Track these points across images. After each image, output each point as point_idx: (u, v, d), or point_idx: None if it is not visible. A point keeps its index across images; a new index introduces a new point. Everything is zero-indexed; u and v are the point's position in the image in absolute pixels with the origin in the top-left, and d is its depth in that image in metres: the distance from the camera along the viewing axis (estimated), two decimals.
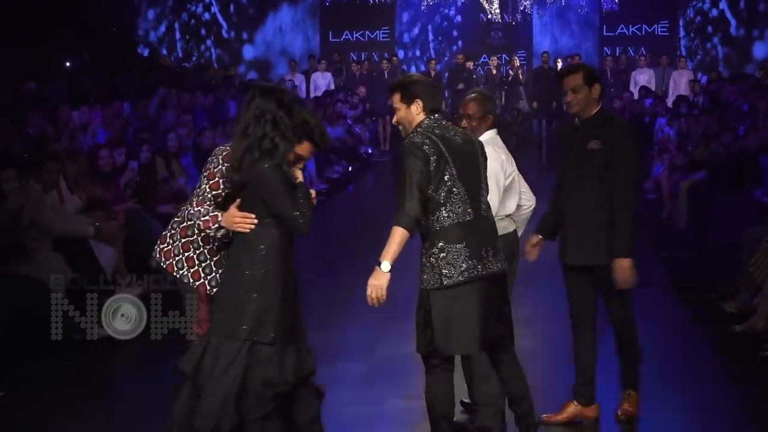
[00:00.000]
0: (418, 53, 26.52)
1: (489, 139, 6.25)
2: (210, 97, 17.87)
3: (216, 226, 5.38)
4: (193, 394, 5.29)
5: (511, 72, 23.25)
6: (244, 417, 5.21)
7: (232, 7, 26.54)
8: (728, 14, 25.43)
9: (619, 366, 6.65)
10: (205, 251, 5.73)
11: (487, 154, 5.84)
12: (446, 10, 26.29)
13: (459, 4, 26.02)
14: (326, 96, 21.48)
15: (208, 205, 5.45)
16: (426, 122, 5.41)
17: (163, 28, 26.22)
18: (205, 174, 5.61)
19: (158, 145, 12.73)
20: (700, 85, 21.43)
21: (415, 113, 5.44)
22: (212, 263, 5.73)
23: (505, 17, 25.67)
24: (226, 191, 5.46)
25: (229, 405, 5.18)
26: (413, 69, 24.92)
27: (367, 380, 7.40)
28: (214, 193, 5.49)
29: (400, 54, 25.60)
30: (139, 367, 7.82)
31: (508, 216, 6.26)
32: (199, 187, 5.62)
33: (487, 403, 5.84)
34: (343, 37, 26.64)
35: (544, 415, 6.45)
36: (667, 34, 25.80)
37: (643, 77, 22.62)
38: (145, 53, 24.34)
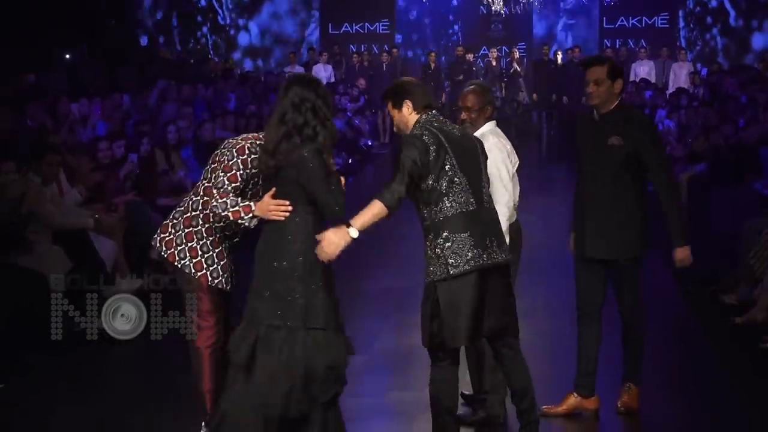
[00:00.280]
0: (418, 45, 26.50)
1: (489, 130, 6.26)
2: (210, 89, 17.87)
3: (250, 215, 5.37)
4: (247, 383, 5.29)
5: (511, 64, 23.22)
6: (310, 402, 5.25)
7: None
8: (727, 5, 25.42)
9: (620, 358, 6.66)
10: (208, 242, 5.75)
11: (490, 144, 5.88)
12: (446, 2, 26.27)
13: None
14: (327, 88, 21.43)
15: (233, 196, 5.45)
16: (423, 118, 5.46)
17: (160, 15, 26.17)
18: (212, 166, 5.65)
19: (158, 137, 12.72)
20: (700, 77, 21.42)
21: (407, 114, 5.50)
22: (214, 254, 5.75)
23: (506, 9, 25.64)
24: (252, 179, 5.50)
25: (297, 390, 5.21)
26: (413, 61, 24.88)
27: (367, 373, 7.40)
28: (234, 185, 5.50)
29: (400, 45, 25.59)
30: (139, 366, 7.81)
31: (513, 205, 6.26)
32: (208, 180, 5.66)
33: (495, 391, 5.94)
34: (343, 29, 26.62)
35: (544, 407, 6.45)
36: (667, 26, 25.77)
37: (643, 69, 22.60)
38: (144, 41, 24.30)
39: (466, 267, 5.28)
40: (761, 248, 9.00)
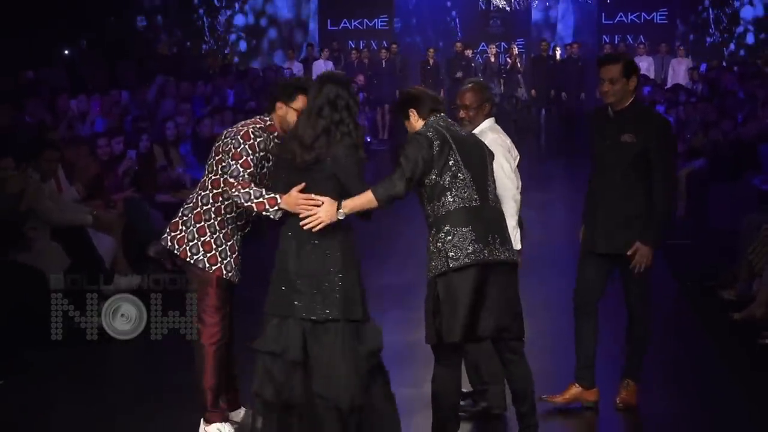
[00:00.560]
0: (418, 41, 26.48)
1: (488, 126, 6.27)
2: (209, 85, 17.85)
3: (275, 208, 5.38)
4: (305, 377, 5.32)
5: (509, 60, 23.20)
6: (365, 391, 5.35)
7: None
8: None
9: (619, 354, 6.67)
10: (221, 236, 5.78)
11: (489, 140, 5.90)
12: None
13: None
14: None
15: (254, 186, 5.48)
16: (430, 120, 5.51)
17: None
18: (217, 158, 5.70)
19: (156, 133, 12.71)
20: (698, 72, 21.41)
21: (414, 122, 5.58)
22: (227, 248, 5.79)
23: (507, 4, 25.61)
24: (260, 163, 5.58)
25: (363, 379, 5.30)
26: (411, 57, 24.84)
27: None
28: (249, 171, 5.55)
29: (398, 33, 25.57)
30: (138, 366, 7.80)
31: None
32: (214, 173, 5.71)
33: (496, 381, 5.96)
34: (342, 25, 26.60)
35: (545, 396, 6.51)
36: (665, 22, 25.76)
37: (642, 65, 22.55)
38: (142, 21, 24.24)
39: (466, 260, 5.28)
40: (760, 244, 9.00)
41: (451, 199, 5.34)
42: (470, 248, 5.30)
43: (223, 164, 5.69)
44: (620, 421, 6.63)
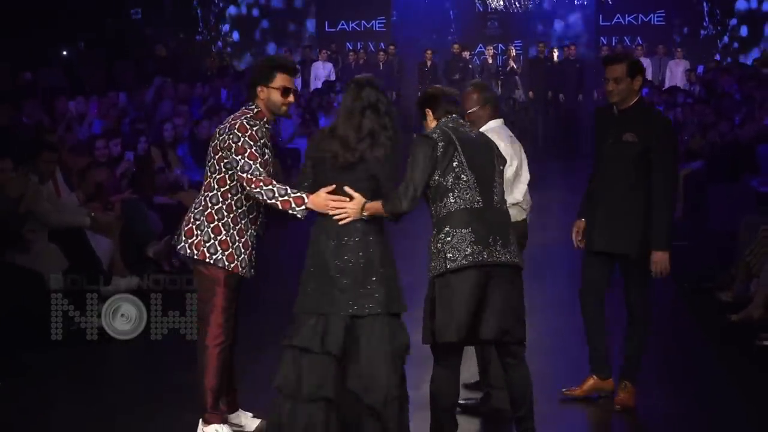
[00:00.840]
0: (414, 43, 26.48)
1: (490, 128, 6.27)
2: (207, 87, 17.84)
3: (302, 208, 5.43)
4: (340, 373, 5.35)
5: (507, 62, 23.21)
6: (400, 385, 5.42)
7: None
8: None
9: (620, 354, 6.68)
10: (235, 233, 5.80)
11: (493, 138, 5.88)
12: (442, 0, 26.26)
13: None
14: (326, 87, 21.39)
15: (276, 183, 5.54)
16: (442, 120, 5.54)
17: None
18: (216, 157, 5.70)
19: (154, 135, 12.71)
20: (696, 74, 21.43)
21: (429, 122, 5.62)
22: (240, 245, 5.81)
23: (503, 6, 25.62)
24: (261, 150, 5.62)
25: (399, 373, 5.37)
26: (409, 59, 24.84)
27: None
28: (258, 161, 5.59)
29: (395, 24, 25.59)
30: (138, 366, 7.80)
31: (515, 204, 6.25)
32: (218, 172, 5.71)
33: (501, 386, 5.93)
34: (339, 26, 26.60)
35: (564, 390, 6.65)
36: (663, 23, 25.78)
37: None
38: (137, 14, 24.24)
39: (464, 262, 5.28)
40: (757, 245, 9.01)
41: (453, 201, 5.35)
42: (468, 250, 5.30)
43: (226, 161, 5.70)
44: (618, 423, 6.63)
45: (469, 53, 23.54)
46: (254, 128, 5.69)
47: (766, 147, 13.08)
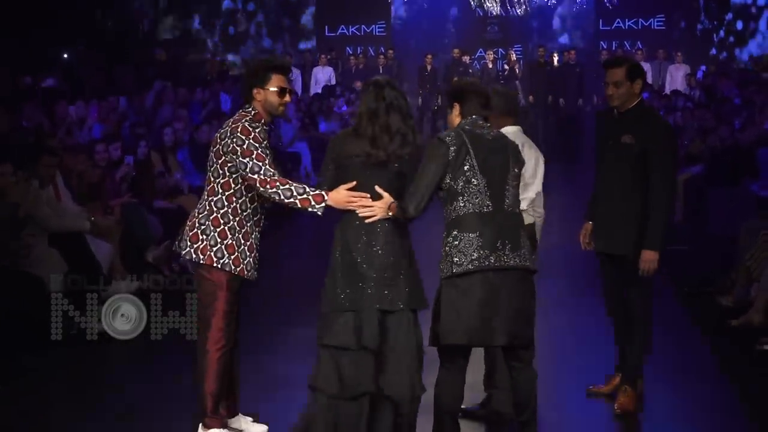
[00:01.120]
0: (414, 47, 26.49)
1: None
2: (207, 91, 17.85)
3: (322, 205, 5.47)
4: (375, 366, 5.40)
5: (507, 66, 23.20)
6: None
7: None
8: None
9: (621, 357, 6.69)
10: (240, 236, 5.80)
11: None
12: (442, 4, 26.26)
13: None
14: (326, 91, 21.39)
15: (291, 182, 5.56)
16: (462, 122, 5.52)
17: None
18: (219, 161, 5.69)
19: (154, 139, 12.71)
20: (696, 79, 21.44)
21: (454, 116, 5.60)
22: (246, 248, 5.81)
23: (503, 11, 25.63)
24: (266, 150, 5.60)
25: (417, 370, 5.44)
26: (409, 64, 24.85)
27: None
28: (267, 162, 5.60)
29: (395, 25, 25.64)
30: (139, 366, 7.80)
31: (523, 210, 6.24)
32: (222, 176, 5.70)
33: (505, 387, 5.96)
34: (339, 31, 26.61)
35: (591, 386, 6.80)
36: (663, 28, 25.79)
37: None
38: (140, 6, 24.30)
39: (469, 267, 5.29)
40: (758, 250, 9.00)
41: (462, 204, 5.36)
42: (475, 254, 5.30)
43: (230, 165, 5.69)
44: (619, 427, 6.62)
45: (469, 57, 23.54)
46: (257, 130, 5.70)
47: (766, 151, 13.07)
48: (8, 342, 7.66)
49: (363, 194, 5.39)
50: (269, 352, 7.81)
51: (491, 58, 23.40)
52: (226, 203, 5.77)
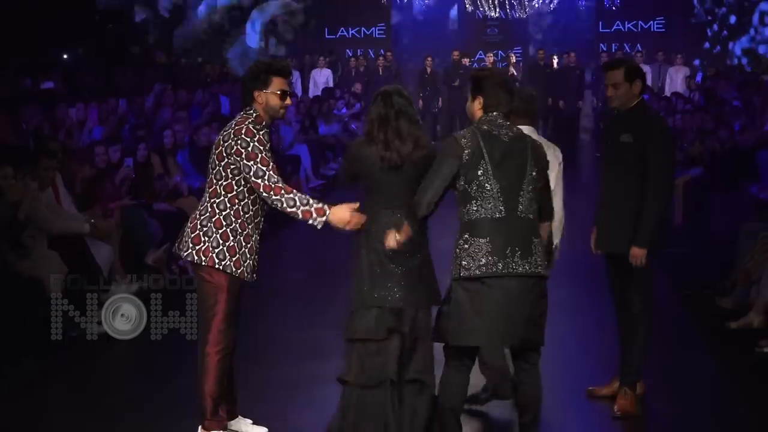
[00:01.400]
0: (414, 49, 26.52)
1: None
2: (206, 94, 17.86)
3: (323, 219, 5.55)
4: (401, 356, 5.60)
5: (508, 69, 23.20)
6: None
7: None
8: None
9: (620, 359, 6.69)
10: (241, 239, 5.81)
11: None
12: (442, 7, 26.28)
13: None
14: (325, 93, 21.40)
15: (298, 192, 5.64)
16: (482, 118, 5.50)
17: None
18: (223, 163, 5.69)
19: (154, 142, 12.71)
20: (695, 81, 21.45)
21: (476, 108, 5.57)
22: (246, 251, 5.82)
23: (503, 13, 25.65)
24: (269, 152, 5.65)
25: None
26: (408, 66, 24.87)
27: None
28: (271, 166, 5.63)
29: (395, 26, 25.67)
30: (139, 366, 7.79)
31: None
32: (225, 178, 5.71)
33: (496, 367, 6.11)
34: (339, 33, 26.62)
35: (591, 387, 6.80)
36: (663, 30, 25.82)
37: None
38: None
39: (477, 272, 5.30)
40: (757, 252, 9.00)
41: (475, 209, 5.36)
42: (483, 260, 5.30)
43: (233, 167, 5.69)
44: (618, 430, 6.62)
45: (468, 60, 23.55)
46: (260, 132, 5.71)
47: (765, 154, 13.07)
48: (8, 343, 7.66)
49: (361, 215, 5.53)
50: (269, 355, 7.80)
51: (491, 61, 23.41)
52: (228, 205, 5.77)
